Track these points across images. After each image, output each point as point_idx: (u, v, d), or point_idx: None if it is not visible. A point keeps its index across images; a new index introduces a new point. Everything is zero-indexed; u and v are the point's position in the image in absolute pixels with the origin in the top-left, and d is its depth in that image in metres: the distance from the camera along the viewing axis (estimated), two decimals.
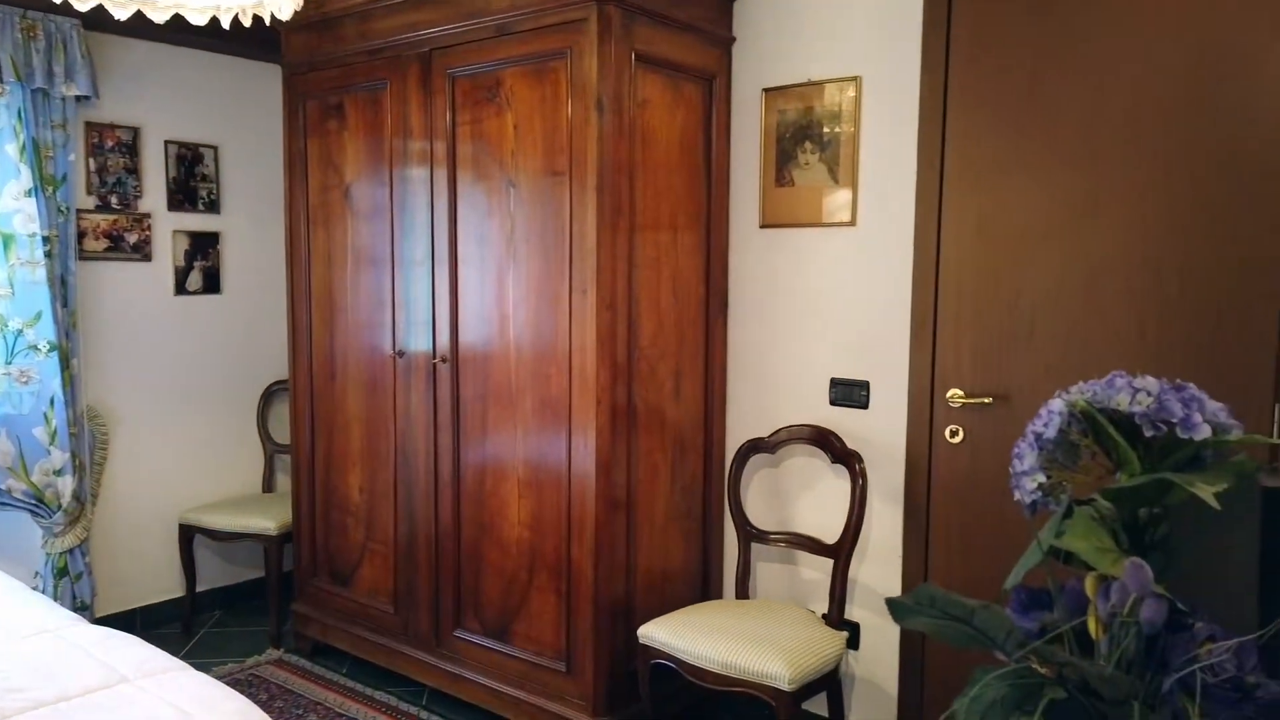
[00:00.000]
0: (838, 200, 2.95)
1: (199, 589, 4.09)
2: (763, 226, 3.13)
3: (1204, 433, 0.86)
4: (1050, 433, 0.93)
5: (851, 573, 2.90)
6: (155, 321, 3.97)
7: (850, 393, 2.97)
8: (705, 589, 3.25)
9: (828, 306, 3.00)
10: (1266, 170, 2.25)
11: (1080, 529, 0.90)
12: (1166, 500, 0.92)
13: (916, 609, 0.89)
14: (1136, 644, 0.85)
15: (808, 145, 3.00)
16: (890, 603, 0.90)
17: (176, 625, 4.03)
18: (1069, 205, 2.53)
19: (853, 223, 2.93)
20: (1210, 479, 0.85)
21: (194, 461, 4.14)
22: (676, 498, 3.11)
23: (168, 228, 3.99)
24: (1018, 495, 0.97)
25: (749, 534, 3.07)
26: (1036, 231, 2.59)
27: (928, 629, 0.91)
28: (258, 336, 4.31)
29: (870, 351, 2.92)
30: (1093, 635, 0.90)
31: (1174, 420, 0.87)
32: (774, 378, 3.15)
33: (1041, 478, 0.95)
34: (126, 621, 3.88)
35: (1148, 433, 0.88)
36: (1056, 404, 0.94)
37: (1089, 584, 0.89)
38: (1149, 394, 0.89)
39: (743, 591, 3.06)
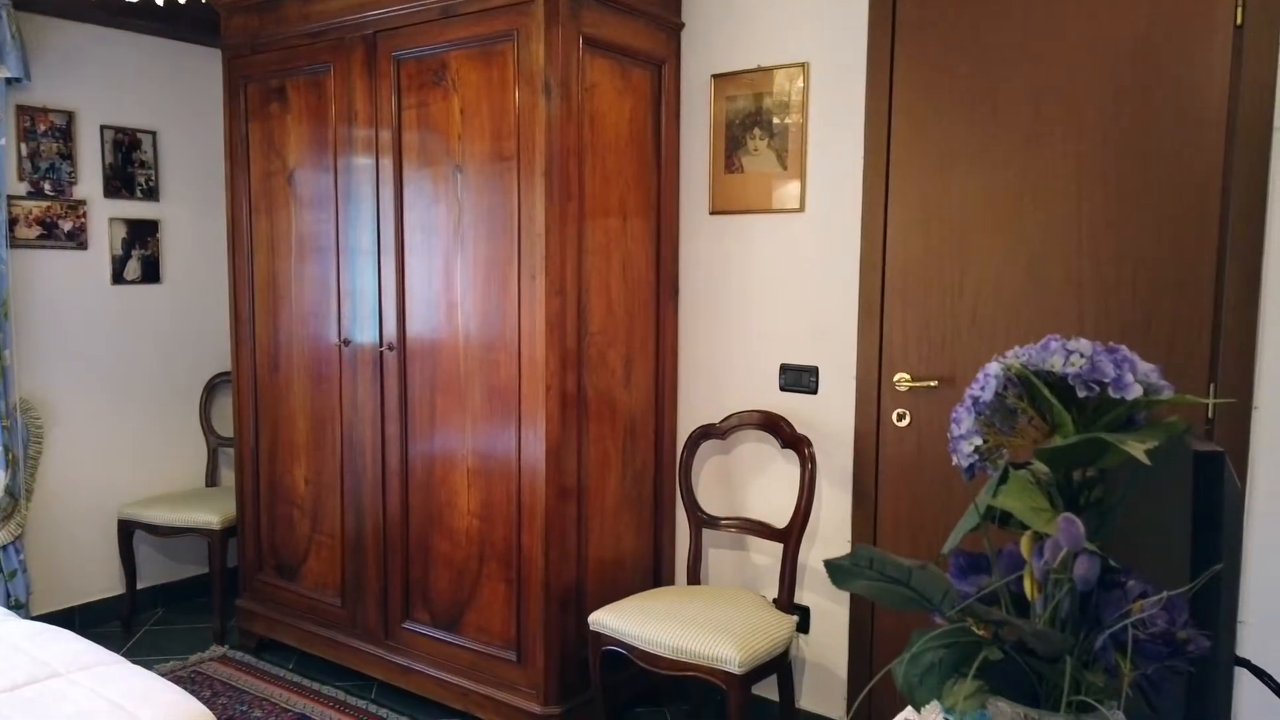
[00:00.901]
0: (787, 187, 2.96)
1: (140, 586, 3.99)
2: (713, 213, 3.13)
3: (1135, 392, 0.87)
4: (987, 396, 0.94)
5: (801, 557, 2.92)
6: (92, 311, 3.86)
7: (800, 378, 2.99)
8: (657, 575, 3.24)
9: (777, 293, 3.02)
10: (1200, 160, 2.30)
11: (1015, 490, 0.91)
12: (1101, 464, 0.92)
13: (855, 570, 0.89)
14: (1070, 602, 0.86)
15: (757, 132, 3.00)
16: (829, 565, 0.90)
17: (116, 623, 3.93)
18: (1011, 193, 2.57)
19: (801, 209, 2.94)
20: (1141, 438, 0.86)
21: (134, 455, 4.03)
22: (627, 484, 3.10)
23: (104, 215, 3.88)
24: (955, 460, 0.97)
25: (700, 520, 3.07)
26: (980, 219, 2.62)
27: (866, 591, 0.91)
28: (199, 327, 4.22)
29: (819, 337, 2.94)
30: (1028, 596, 0.91)
31: (1106, 381, 0.88)
32: (724, 364, 3.16)
33: (978, 441, 0.95)
34: (65, 620, 3.77)
35: (1081, 393, 0.89)
36: (993, 367, 0.94)
37: (1024, 544, 0.90)
38: (1082, 355, 0.89)
39: (694, 577, 3.06)
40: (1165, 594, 0.82)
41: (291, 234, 3.41)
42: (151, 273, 4.03)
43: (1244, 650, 2.27)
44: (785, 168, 2.96)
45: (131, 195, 3.96)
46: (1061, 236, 2.49)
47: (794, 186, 2.94)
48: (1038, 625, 0.83)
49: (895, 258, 2.76)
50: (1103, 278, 2.44)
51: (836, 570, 0.90)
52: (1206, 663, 0.96)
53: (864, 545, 0.89)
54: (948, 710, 0.90)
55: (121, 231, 3.93)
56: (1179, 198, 2.33)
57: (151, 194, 4.02)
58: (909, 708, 1.50)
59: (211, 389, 4.24)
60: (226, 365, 4.21)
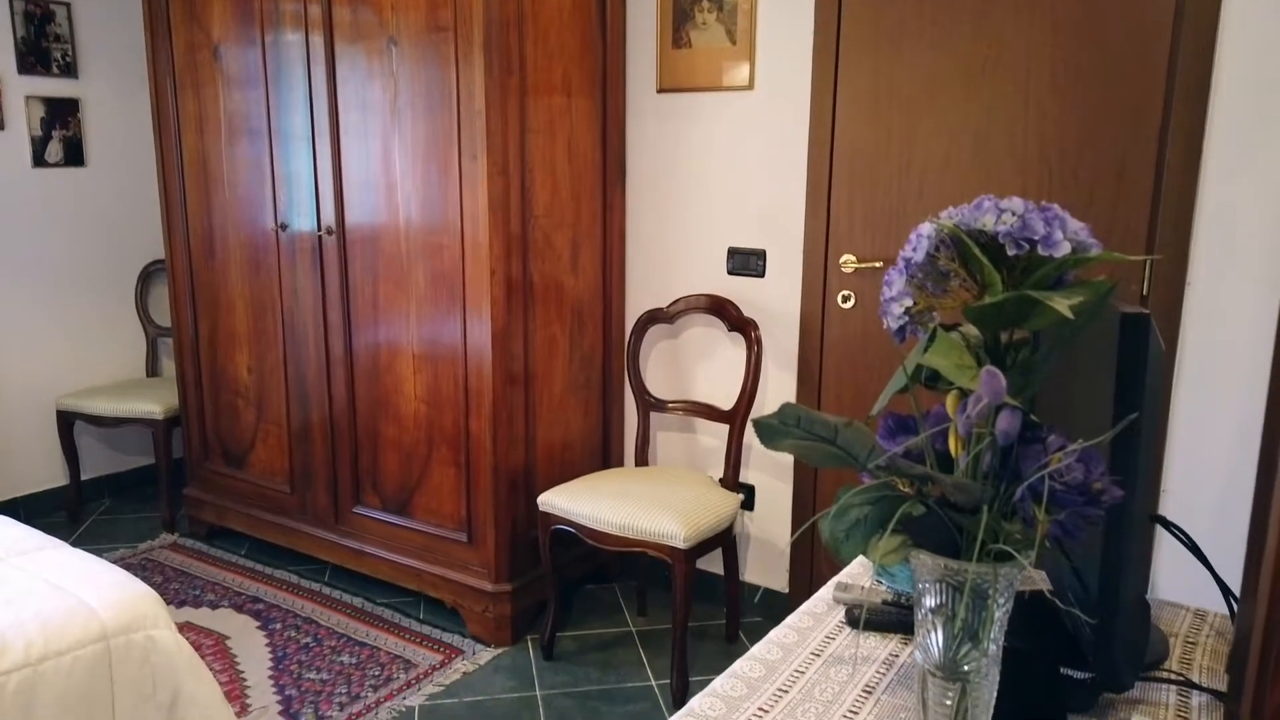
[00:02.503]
0: (736, 64, 2.88)
1: (85, 477, 3.95)
2: (660, 91, 3.05)
3: (1064, 250, 0.87)
4: (918, 257, 0.93)
5: (747, 438, 2.97)
6: (12, 196, 3.69)
7: (747, 261, 2.98)
8: (605, 458, 3.28)
9: (726, 174, 2.97)
10: (1147, 41, 2.27)
11: (943, 348, 0.91)
12: (1029, 324, 0.93)
13: (783, 429, 0.90)
14: (991, 456, 0.87)
15: (705, 4, 2.90)
16: (758, 424, 0.90)
17: (63, 514, 3.90)
18: (960, 72, 2.53)
19: (751, 87, 2.87)
20: (1068, 295, 0.86)
21: (69, 346, 3.93)
22: (575, 369, 3.10)
23: (19, 93, 3.67)
24: (886, 322, 0.97)
25: (648, 403, 3.10)
26: (929, 98, 2.58)
27: (795, 450, 0.91)
28: (130, 212, 4.06)
29: (767, 220, 2.92)
30: (953, 453, 0.92)
31: (1036, 238, 0.87)
32: (672, 247, 3.13)
33: (909, 303, 0.95)
34: (9, 511, 3.74)
35: (1011, 251, 0.88)
36: (925, 228, 0.93)
37: (949, 402, 0.91)
38: (1014, 213, 0.89)
39: (642, 459, 3.11)
40: (1081, 444, 0.83)
41: (220, 113, 3.26)
42: (75, 155, 3.85)
43: (1167, 515, 2.38)
44: (734, 43, 2.87)
45: (48, 71, 3.73)
46: (1009, 116, 2.47)
47: (743, 64, 2.86)
48: (958, 478, 0.85)
49: (844, 136, 2.72)
50: (1047, 157, 2.44)
51: (765, 429, 0.90)
52: (1122, 513, 0.99)
53: (792, 404, 0.89)
54: (873, 562, 0.92)
55: (40, 111, 3.72)
56: (1125, 78, 2.31)
57: (69, 70, 3.80)
58: (844, 571, 1.55)
59: (146, 277, 4.11)
60: (160, 252, 4.08)
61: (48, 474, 3.91)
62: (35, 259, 3.78)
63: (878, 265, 2.72)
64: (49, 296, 3.84)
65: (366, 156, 2.91)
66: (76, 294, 3.93)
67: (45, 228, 3.80)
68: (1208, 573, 1.29)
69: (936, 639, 0.93)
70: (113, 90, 3.94)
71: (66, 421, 3.79)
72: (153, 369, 4.15)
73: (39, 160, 3.74)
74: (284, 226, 3.16)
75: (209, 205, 3.39)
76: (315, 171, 3.03)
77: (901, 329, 0.97)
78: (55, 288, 3.85)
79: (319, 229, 3.07)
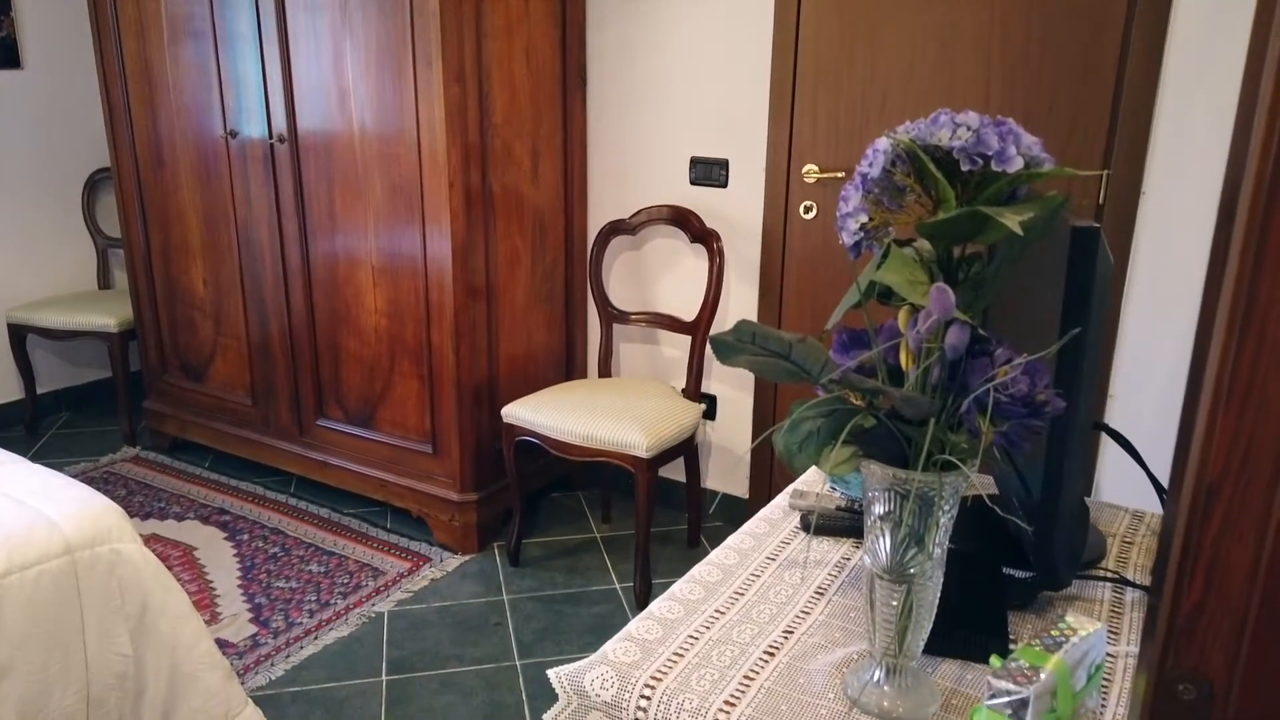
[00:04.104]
0: None
1: (40, 390, 3.90)
2: None
3: (1017, 165, 0.87)
4: (874, 172, 0.93)
5: (709, 349, 2.99)
6: None
7: (710, 171, 2.95)
8: (569, 370, 3.30)
9: (689, 82, 2.92)
10: None
11: (896, 264, 0.92)
12: (981, 239, 0.94)
13: (739, 346, 0.91)
14: (940, 369, 0.90)
15: None
16: (714, 340, 0.92)
17: (19, 428, 3.86)
18: None
19: None
20: (1019, 210, 0.87)
21: (17, 258, 3.83)
22: (538, 281, 3.08)
23: None
24: (843, 238, 0.98)
25: (611, 315, 3.10)
26: (894, 1, 2.54)
27: (750, 366, 0.93)
28: (71, 118, 3.91)
29: (730, 129, 2.88)
30: (904, 367, 0.95)
31: (990, 154, 0.88)
32: (634, 157, 3.09)
33: (864, 218, 0.95)
34: None
35: (965, 167, 0.89)
36: (882, 143, 0.93)
37: (901, 317, 0.93)
38: (969, 128, 0.89)
39: (605, 371, 3.13)
40: (1026, 357, 0.86)
41: (162, 14, 3.12)
42: (10, 56, 3.67)
43: (1112, 420, 2.46)
44: None
45: None
46: (973, 22, 2.44)
47: None
48: (908, 392, 0.87)
49: (807, 42, 2.68)
50: (1011, 64, 2.42)
51: (721, 345, 0.92)
52: (1065, 423, 1.03)
53: (747, 320, 0.90)
54: (825, 472, 0.95)
55: None
56: None
57: None
58: (800, 478, 1.60)
59: (93, 186, 3.99)
60: (106, 160, 3.95)
61: (3, 388, 3.85)
62: None
63: (840, 175, 2.71)
64: None
65: (317, 60, 2.81)
66: (20, 204, 3.80)
67: None
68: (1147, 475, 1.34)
69: (884, 544, 0.97)
70: None
71: (18, 334, 3.72)
72: (105, 281, 4.07)
73: None
74: (234, 134, 3.07)
75: (154, 112, 3.27)
76: (264, 76, 2.93)
77: (857, 244, 0.98)
78: None
79: (270, 136, 2.98)
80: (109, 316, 3.63)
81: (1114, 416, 2.46)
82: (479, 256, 2.82)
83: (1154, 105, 2.25)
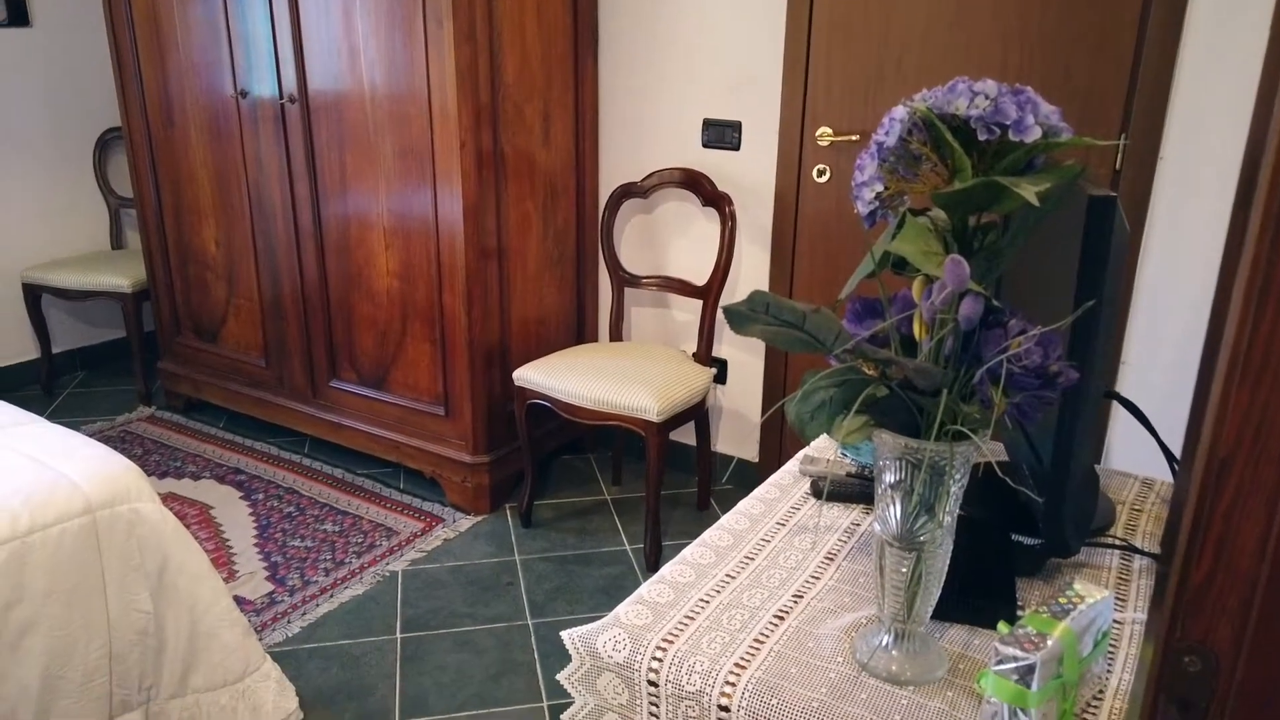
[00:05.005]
0: None
1: (56, 350, 3.93)
2: None
3: (1035, 135, 0.87)
4: (890, 141, 0.92)
5: (720, 314, 2.99)
6: None
7: (722, 134, 2.93)
8: (580, 333, 3.31)
9: (702, 42, 2.88)
10: None
11: (911, 235, 0.92)
12: (997, 208, 0.94)
13: (752, 315, 0.91)
14: (954, 340, 0.90)
15: None
16: (727, 311, 0.92)
17: (36, 387, 3.90)
18: None
19: None
20: (1036, 181, 0.87)
21: (30, 218, 3.84)
22: (549, 244, 3.08)
23: None
24: (858, 207, 0.97)
25: (622, 279, 3.10)
26: None
27: (763, 335, 0.93)
28: (82, 76, 3.89)
29: (743, 91, 2.85)
30: (917, 338, 0.95)
31: (1008, 123, 0.87)
32: (646, 119, 3.06)
33: (880, 187, 0.95)
34: None
35: (982, 136, 0.88)
36: (899, 111, 0.92)
37: (915, 287, 0.93)
38: (987, 97, 0.88)
39: (616, 335, 3.13)
40: (1040, 329, 0.86)
41: None
42: (19, 14, 3.65)
43: (1125, 388, 2.46)
44: None
45: None
46: None
47: None
48: (921, 363, 0.87)
49: (822, 5, 2.64)
50: (1027, 28, 2.38)
51: (735, 315, 0.92)
52: (1078, 394, 1.03)
53: (761, 290, 0.90)
54: (837, 441, 0.95)
55: None
56: None
57: None
58: (810, 445, 1.61)
59: (104, 145, 3.98)
60: (117, 120, 3.94)
61: (18, 347, 3.89)
62: None
63: (854, 139, 2.69)
64: (3, 167, 3.72)
65: (327, 17, 2.79)
66: (32, 163, 3.80)
67: None
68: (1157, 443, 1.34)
69: (895, 512, 0.98)
70: None
71: (33, 294, 3.74)
72: (118, 241, 4.08)
73: None
74: (244, 93, 3.06)
75: (164, 71, 3.25)
76: (274, 34, 2.91)
77: (872, 214, 0.97)
78: (8, 157, 3.73)
79: (281, 96, 2.96)
80: (122, 277, 3.65)
81: (1126, 383, 2.45)
82: (490, 218, 2.81)
83: (1174, 67, 2.22)
